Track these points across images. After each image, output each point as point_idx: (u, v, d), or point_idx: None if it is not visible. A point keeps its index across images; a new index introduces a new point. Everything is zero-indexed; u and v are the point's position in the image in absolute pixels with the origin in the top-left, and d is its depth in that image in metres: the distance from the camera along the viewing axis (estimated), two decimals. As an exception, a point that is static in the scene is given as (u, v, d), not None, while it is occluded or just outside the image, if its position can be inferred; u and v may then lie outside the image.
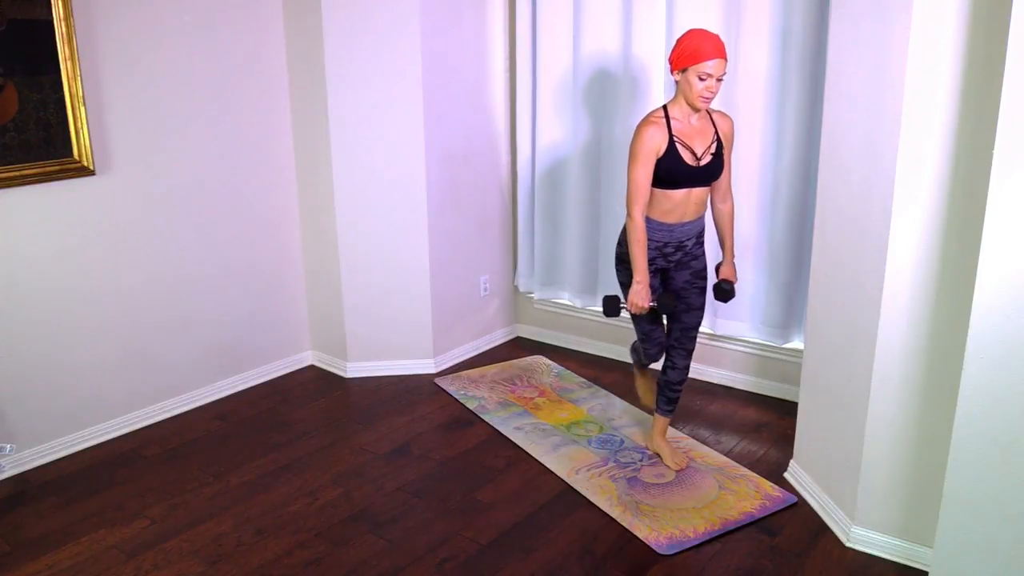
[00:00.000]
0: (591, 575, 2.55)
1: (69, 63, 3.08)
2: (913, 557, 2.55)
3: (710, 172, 2.82)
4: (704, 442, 3.36)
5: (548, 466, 3.18)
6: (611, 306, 2.95)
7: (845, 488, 2.69)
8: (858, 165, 2.52)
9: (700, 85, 2.66)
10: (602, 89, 3.94)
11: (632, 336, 3.63)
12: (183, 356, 3.71)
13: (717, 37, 2.65)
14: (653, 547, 2.66)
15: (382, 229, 3.94)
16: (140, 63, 3.34)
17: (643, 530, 2.75)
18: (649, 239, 2.87)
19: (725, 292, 3.02)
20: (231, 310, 3.87)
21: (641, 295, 2.84)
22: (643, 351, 3.18)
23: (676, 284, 3.01)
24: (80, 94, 3.12)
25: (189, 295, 3.68)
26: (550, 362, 4.25)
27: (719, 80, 2.66)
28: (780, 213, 3.55)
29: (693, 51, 2.63)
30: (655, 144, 2.74)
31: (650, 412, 3.27)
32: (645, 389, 3.42)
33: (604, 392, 3.85)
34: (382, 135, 3.82)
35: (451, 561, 2.62)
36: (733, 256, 3.07)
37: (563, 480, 3.09)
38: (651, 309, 2.90)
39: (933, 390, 2.39)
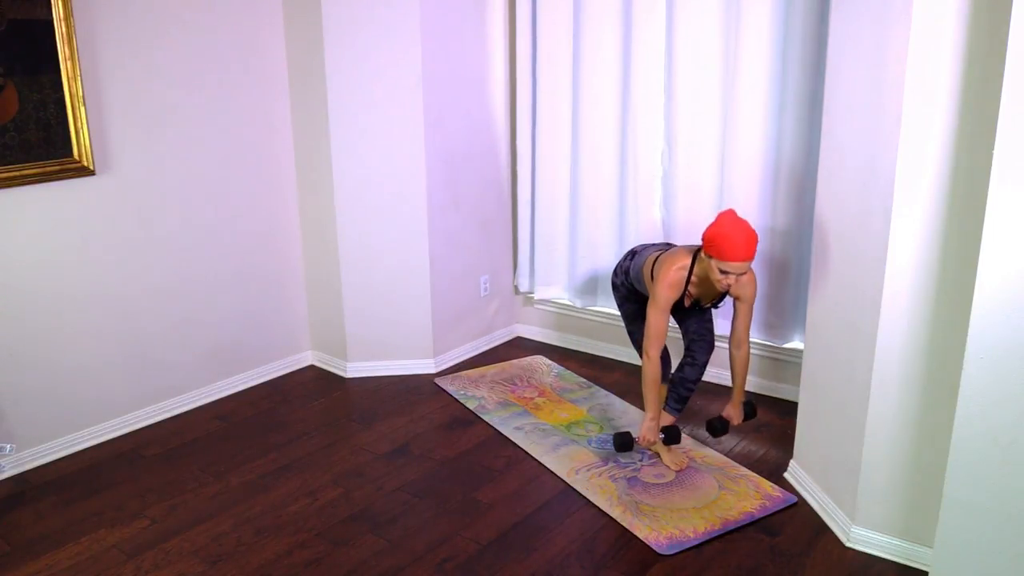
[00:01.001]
0: (591, 575, 2.55)
1: (69, 63, 3.08)
2: (913, 557, 2.55)
3: (706, 310, 3.05)
4: (704, 442, 3.36)
5: (548, 466, 3.18)
6: (624, 442, 3.08)
7: (845, 488, 2.69)
8: (858, 165, 2.52)
9: (723, 278, 2.73)
10: (602, 88, 3.94)
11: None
12: (183, 356, 3.71)
13: (752, 235, 2.69)
14: (653, 547, 2.66)
15: (382, 229, 3.94)
16: (140, 63, 3.34)
17: (643, 530, 2.75)
18: None
19: (715, 429, 3.10)
20: (231, 310, 3.87)
21: (653, 432, 3.01)
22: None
23: (691, 326, 3.16)
24: (80, 94, 3.12)
25: (189, 295, 3.68)
26: (550, 362, 4.25)
27: (740, 276, 2.73)
28: (780, 213, 3.55)
29: (722, 247, 2.68)
30: (674, 295, 2.89)
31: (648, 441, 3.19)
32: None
33: (604, 392, 3.85)
34: (382, 135, 3.82)
35: (451, 561, 2.62)
36: (741, 398, 3.09)
37: (563, 480, 3.09)
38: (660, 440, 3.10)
39: (933, 390, 2.39)
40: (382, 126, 3.82)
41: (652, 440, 3.01)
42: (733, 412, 3.08)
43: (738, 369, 3.04)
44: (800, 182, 3.47)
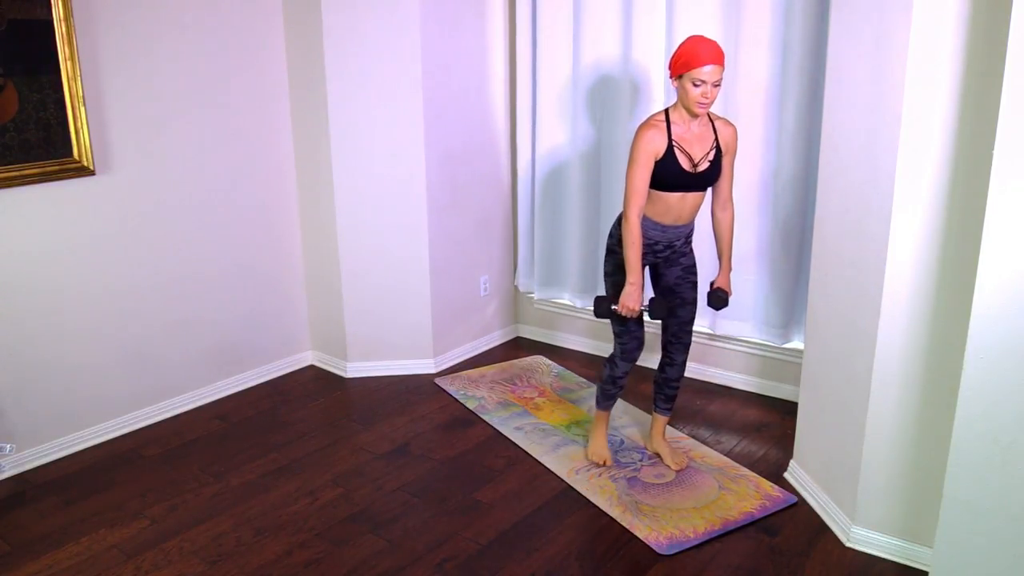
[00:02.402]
0: (591, 575, 2.55)
1: (69, 63, 3.07)
2: (913, 557, 2.55)
3: (706, 179, 2.82)
4: (704, 442, 3.36)
5: (548, 466, 3.18)
6: (601, 306, 2.91)
7: (845, 488, 2.69)
8: (858, 165, 2.52)
9: (695, 91, 2.64)
10: (602, 89, 3.94)
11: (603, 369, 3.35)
12: (183, 356, 3.71)
13: (714, 43, 2.63)
14: (653, 547, 2.66)
15: (382, 229, 3.94)
16: (140, 63, 3.34)
17: (643, 530, 2.75)
18: (642, 235, 2.87)
19: (720, 299, 3.00)
20: (231, 310, 3.88)
21: (634, 297, 2.83)
22: (620, 349, 3.03)
23: (668, 280, 3.01)
24: (80, 94, 3.12)
25: (189, 295, 3.68)
26: (550, 362, 4.25)
27: (715, 86, 2.64)
28: (780, 213, 3.55)
29: (688, 57, 2.62)
30: (654, 147, 2.74)
31: (598, 465, 3.14)
32: (601, 442, 3.20)
33: (604, 392, 3.85)
34: (382, 135, 3.82)
35: (451, 561, 2.62)
36: (730, 268, 3.04)
37: (563, 480, 3.09)
38: (641, 313, 2.89)
39: (933, 390, 2.39)
40: (382, 126, 3.81)
41: (633, 307, 2.83)
42: (726, 283, 3.02)
43: (725, 235, 2.98)
44: (800, 182, 3.47)
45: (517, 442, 3.37)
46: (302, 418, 3.67)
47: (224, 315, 3.85)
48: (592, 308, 2.93)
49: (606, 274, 3.02)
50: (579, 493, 2.99)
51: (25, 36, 2.96)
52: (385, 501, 2.98)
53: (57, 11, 3.01)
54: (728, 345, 3.88)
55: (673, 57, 2.70)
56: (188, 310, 3.69)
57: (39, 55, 3.01)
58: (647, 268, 3.00)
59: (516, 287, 4.63)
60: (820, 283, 2.82)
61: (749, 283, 3.70)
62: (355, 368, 4.11)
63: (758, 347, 3.79)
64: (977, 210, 2.08)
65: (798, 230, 3.52)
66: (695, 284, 3.02)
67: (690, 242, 2.99)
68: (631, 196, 2.78)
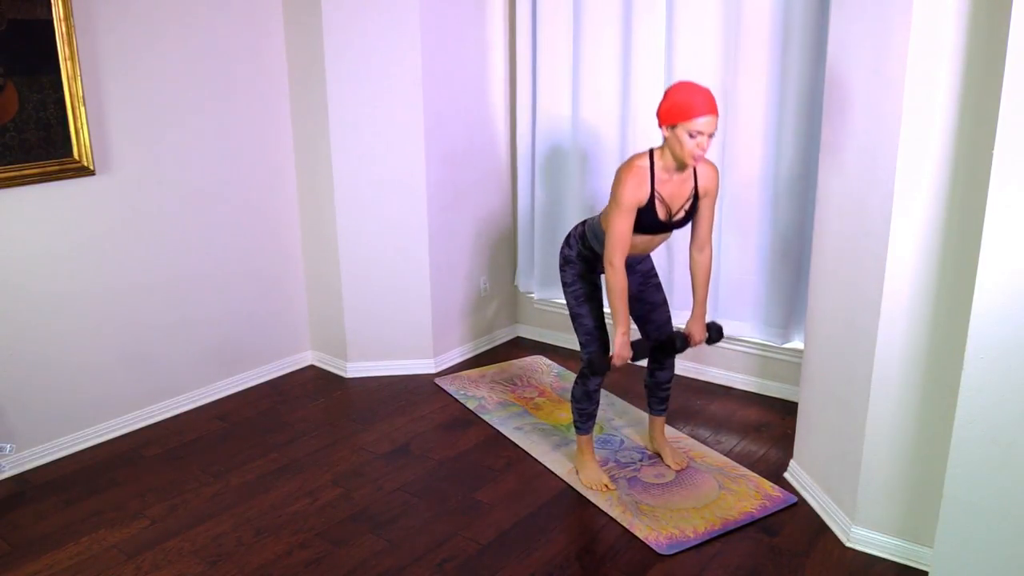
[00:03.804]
0: (591, 575, 2.55)
1: (69, 63, 3.08)
2: (913, 557, 2.55)
3: (679, 225, 2.80)
4: (704, 442, 3.36)
5: (548, 466, 3.18)
6: (601, 364, 2.81)
7: (845, 488, 2.69)
8: (858, 165, 2.52)
9: (691, 143, 2.53)
10: (602, 88, 3.94)
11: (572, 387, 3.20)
12: (183, 356, 3.71)
13: (708, 91, 2.55)
14: (653, 547, 2.66)
15: (382, 229, 3.94)
16: (140, 63, 3.34)
17: (643, 530, 2.75)
18: (597, 251, 2.85)
19: (673, 345, 2.93)
20: (231, 310, 3.87)
21: (627, 347, 2.77)
22: (588, 359, 2.90)
23: (631, 290, 2.94)
24: (80, 94, 3.12)
25: (189, 295, 3.68)
26: (550, 362, 4.25)
27: (710, 137, 2.54)
28: (780, 213, 3.55)
29: (684, 108, 2.51)
30: (637, 198, 2.66)
31: (600, 489, 3.03)
32: (592, 468, 3.07)
33: (604, 392, 3.85)
34: (382, 135, 3.82)
35: (451, 561, 2.62)
36: (704, 311, 2.92)
37: (563, 480, 3.09)
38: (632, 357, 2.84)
39: (933, 390, 2.39)
40: (382, 126, 3.82)
41: (626, 356, 2.77)
42: (696, 328, 2.91)
43: (701, 277, 2.88)
44: (800, 182, 3.46)
45: (517, 442, 3.38)
46: (302, 418, 3.67)
47: (224, 315, 3.85)
48: (589, 368, 2.88)
49: (565, 284, 2.94)
50: (579, 493, 2.99)
51: (25, 36, 2.96)
52: (385, 501, 2.98)
53: (57, 11, 3.01)
54: (728, 345, 3.87)
55: (664, 105, 2.58)
56: (188, 310, 3.69)
57: (39, 55, 3.01)
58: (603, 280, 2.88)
59: (516, 287, 4.63)
60: (820, 283, 2.82)
61: (749, 283, 3.70)
62: (355, 368, 4.11)
63: (758, 347, 3.79)
64: (977, 210, 2.08)
65: (798, 230, 3.52)
66: (659, 285, 3.02)
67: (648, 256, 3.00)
68: (615, 244, 2.69)
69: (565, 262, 2.95)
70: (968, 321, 1.99)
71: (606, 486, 3.01)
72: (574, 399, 3.05)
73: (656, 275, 3.02)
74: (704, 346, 3.87)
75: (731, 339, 3.86)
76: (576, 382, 3.03)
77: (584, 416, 3.04)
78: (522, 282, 4.56)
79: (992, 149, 1.89)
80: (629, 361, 2.82)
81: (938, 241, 2.30)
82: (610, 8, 3.81)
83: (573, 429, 3.14)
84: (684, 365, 3.94)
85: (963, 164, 2.21)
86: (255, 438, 3.48)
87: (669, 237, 2.90)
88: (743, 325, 3.79)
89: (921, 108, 2.24)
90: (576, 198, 4.14)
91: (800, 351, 3.53)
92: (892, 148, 2.32)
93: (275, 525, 2.84)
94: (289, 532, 2.79)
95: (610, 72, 3.89)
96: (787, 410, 3.58)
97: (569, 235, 2.98)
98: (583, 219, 3.12)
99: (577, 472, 3.11)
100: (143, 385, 3.58)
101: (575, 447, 3.30)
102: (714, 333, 2.96)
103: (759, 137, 3.53)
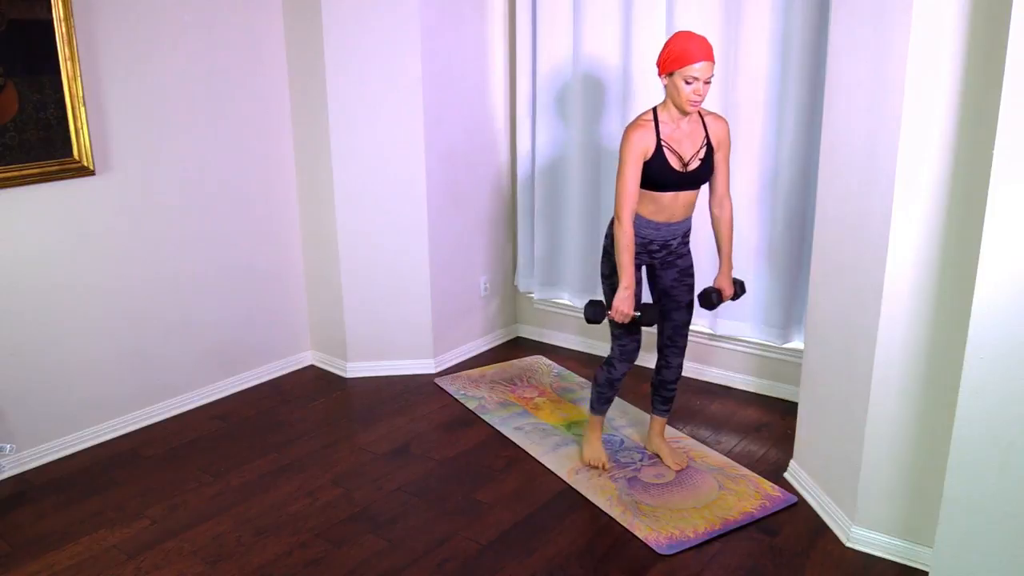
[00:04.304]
0: (591, 575, 2.55)
1: (69, 63, 3.08)
2: (913, 557, 2.55)
3: (698, 177, 2.80)
4: (704, 442, 3.36)
5: (548, 466, 3.18)
6: (595, 311, 2.81)
7: (845, 488, 2.69)
8: (858, 165, 2.52)
9: (687, 89, 2.61)
10: (602, 89, 3.94)
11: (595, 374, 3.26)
12: (183, 356, 3.71)
13: (704, 39, 2.61)
14: (653, 547, 2.66)
15: (382, 229, 3.94)
16: (140, 63, 3.34)
17: (643, 530, 2.75)
18: (636, 235, 2.84)
19: (710, 300, 2.95)
20: (231, 310, 3.87)
21: (627, 302, 2.77)
22: (619, 351, 2.99)
23: (664, 283, 2.99)
24: (80, 94, 3.12)
25: (189, 295, 3.68)
26: (550, 362, 4.25)
27: (707, 83, 2.62)
28: (780, 213, 3.55)
29: (679, 54, 2.59)
30: (642, 148, 2.71)
31: (595, 468, 3.12)
32: (596, 445, 3.17)
33: (604, 392, 3.85)
34: (382, 134, 3.82)
35: (451, 561, 2.62)
36: (731, 267, 2.97)
37: (563, 480, 3.09)
38: (633, 319, 2.83)
39: (933, 390, 2.39)
40: (382, 126, 3.82)
41: (626, 312, 2.76)
42: (725, 283, 2.95)
43: (724, 232, 2.92)
44: (800, 182, 3.47)
45: (517, 442, 3.38)
46: (302, 418, 3.67)
47: (224, 315, 3.85)
48: (584, 314, 2.84)
49: (603, 276, 2.99)
50: (579, 493, 2.99)
51: (25, 36, 2.96)
52: (385, 501, 2.98)
53: (57, 11, 3.01)
54: (728, 345, 3.88)
55: (662, 54, 2.67)
56: (188, 310, 3.69)
57: (39, 55, 3.01)
58: (644, 270, 2.99)
59: (516, 287, 4.62)
60: (820, 283, 2.82)
61: (749, 283, 3.70)
62: (355, 368, 4.11)
63: (758, 347, 3.79)
64: (977, 210, 2.08)
65: (798, 230, 3.52)
66: (691, 287, 3.01)
67: (687, 242, 2.97)
68: (622, 198, 2.74)
69: (604, 253, 2.98)
70: (968, 321, 1.99)
71: (603, 464, 3.12)
72: (595, 382, 3.12)
73: (692, 275, 3.01)
74: (704, 346, 3.90)
75: (731, 339, 3.86)
76: (602, 367, 3.09)
77: (602, 400, 3.14)
78: (522, 282, 4.56)
79: (992, 149, 1.89)
80: (634, 320, 2.81)
81: (938, 241, 2.30)
82: (610, 8, 3.81)
83: (588, 408, 3.22)
84: (684, 365, 3.93)
85: (963, 164, 2.21)
86: (255, 438, 3.48)
87: (695, 198, 2.86)
88: (743, 325, 3.79)
89: (921, 108, 2.24)
90: (577, 198, 4.14)
91: (800, 351, 3.53)
92: (892, 148, 2.32)
93: (275, 525, 2.84)
94: (289, 532, 2.79)
95: (610, 72, 3.89)
96: (787, 410, 3.58)
97: (608, 226, 2.97)
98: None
99: (580, 448, 3.24)
100: (143, 385, 3.58)
101: (575, 447, 3.30)
102: (739, 288, 3.01)
103: (759, 136, 3.53)
